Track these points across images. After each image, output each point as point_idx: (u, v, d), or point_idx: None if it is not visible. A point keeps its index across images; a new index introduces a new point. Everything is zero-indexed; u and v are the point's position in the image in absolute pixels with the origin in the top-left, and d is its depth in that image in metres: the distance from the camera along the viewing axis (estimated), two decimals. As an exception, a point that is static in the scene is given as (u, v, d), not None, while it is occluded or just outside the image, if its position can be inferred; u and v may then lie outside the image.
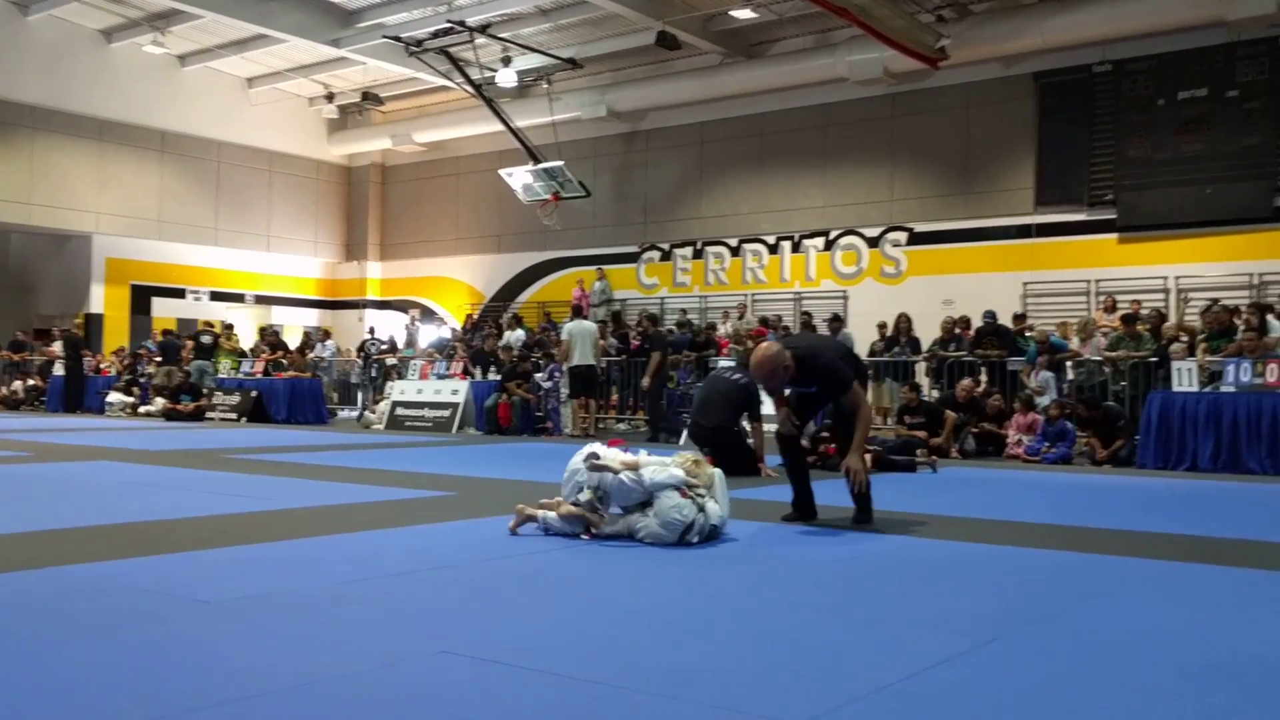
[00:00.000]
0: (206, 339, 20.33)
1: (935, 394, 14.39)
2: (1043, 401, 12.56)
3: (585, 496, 5.42)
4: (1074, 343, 14.08)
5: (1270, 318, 13.07)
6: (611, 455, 5.50)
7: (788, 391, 6.23)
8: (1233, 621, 3.85)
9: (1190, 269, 16.88)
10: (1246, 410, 10.66)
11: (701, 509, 5.28)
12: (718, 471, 5.63)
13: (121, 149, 23.77)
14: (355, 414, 19.86)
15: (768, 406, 9.03)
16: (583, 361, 14.96)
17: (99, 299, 24.25)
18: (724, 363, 14.88)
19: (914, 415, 12.38)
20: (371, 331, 23.90)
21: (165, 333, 21.46)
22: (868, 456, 6.49)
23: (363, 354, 22.30)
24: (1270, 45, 16.32)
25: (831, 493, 6.56)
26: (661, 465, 5.44)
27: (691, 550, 5.15)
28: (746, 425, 9.95)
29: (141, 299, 24.82)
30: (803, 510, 6.28)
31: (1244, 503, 8.06)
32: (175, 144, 24.69)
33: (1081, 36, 17.28)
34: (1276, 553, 5.50)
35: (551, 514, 5.52)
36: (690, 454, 5.74)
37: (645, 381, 14.39)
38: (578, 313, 16.77)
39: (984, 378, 13.74)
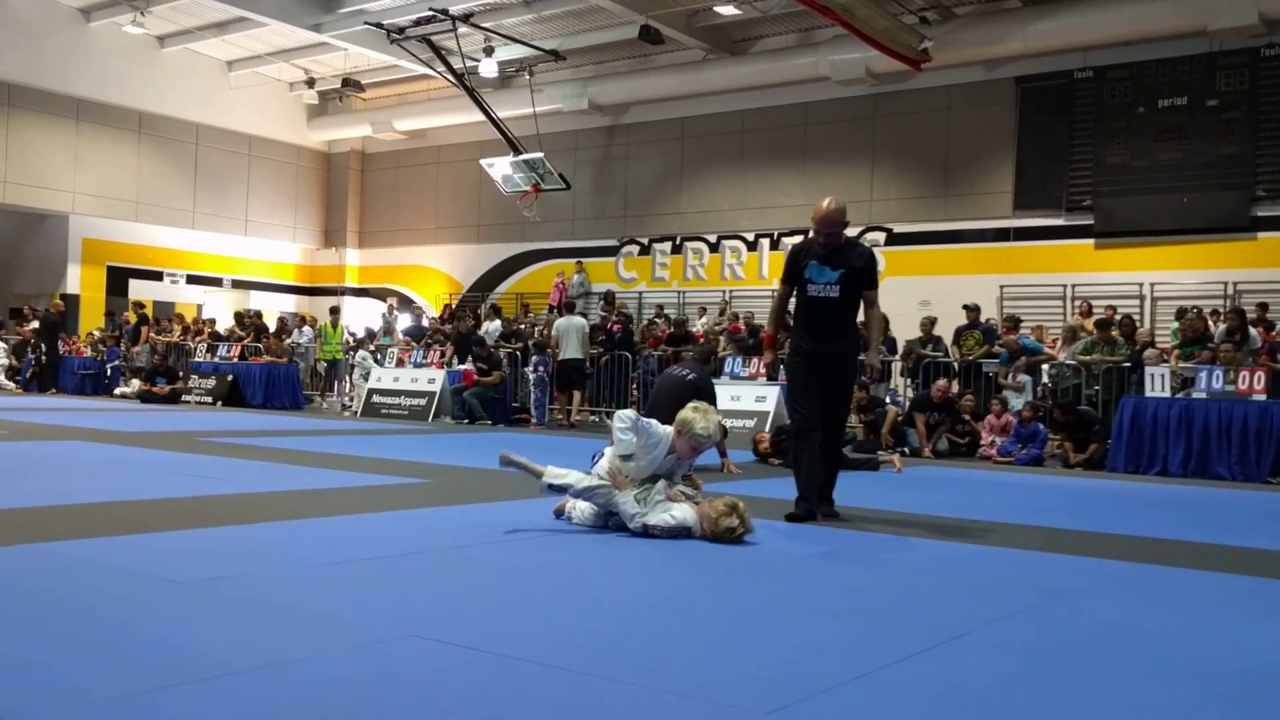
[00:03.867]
0: (132, 321, 21.42)
1: (911, 394, 14.47)
2: (1015, 404, 12.64)
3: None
4: (1056, 346, 14.19)
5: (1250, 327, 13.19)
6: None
7: (812, 290, 6.19)
8: (1196, 623, 3.90)
9: (1166, 276, 17.02)
10: (1218, 417, 10.78)
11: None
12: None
13: (99, 129, 23.55)
14: (336, 400, 19.74)
15: (722, 402, 8.93)
16: (570, 356, 15.39)
17: (75, 279, 24.03)
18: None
19: (867, 413, 12.47)
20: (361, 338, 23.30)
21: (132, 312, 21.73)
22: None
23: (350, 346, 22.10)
24: (1250, 56, 16.46)
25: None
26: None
27: (665, 541, 5.17)
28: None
29: (118, 280, 24.63)
30: (810, 509, 6.08)
31: (1212, 508, 8.14)
32: (153, 125, 24.47)
33: (1063, 42, 17.38)
34: (1242, 557, 5.57)
35: (580, 504, 5.54)
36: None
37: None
38: (570, 309, 16.85)
39: (955, 383, 13.75)
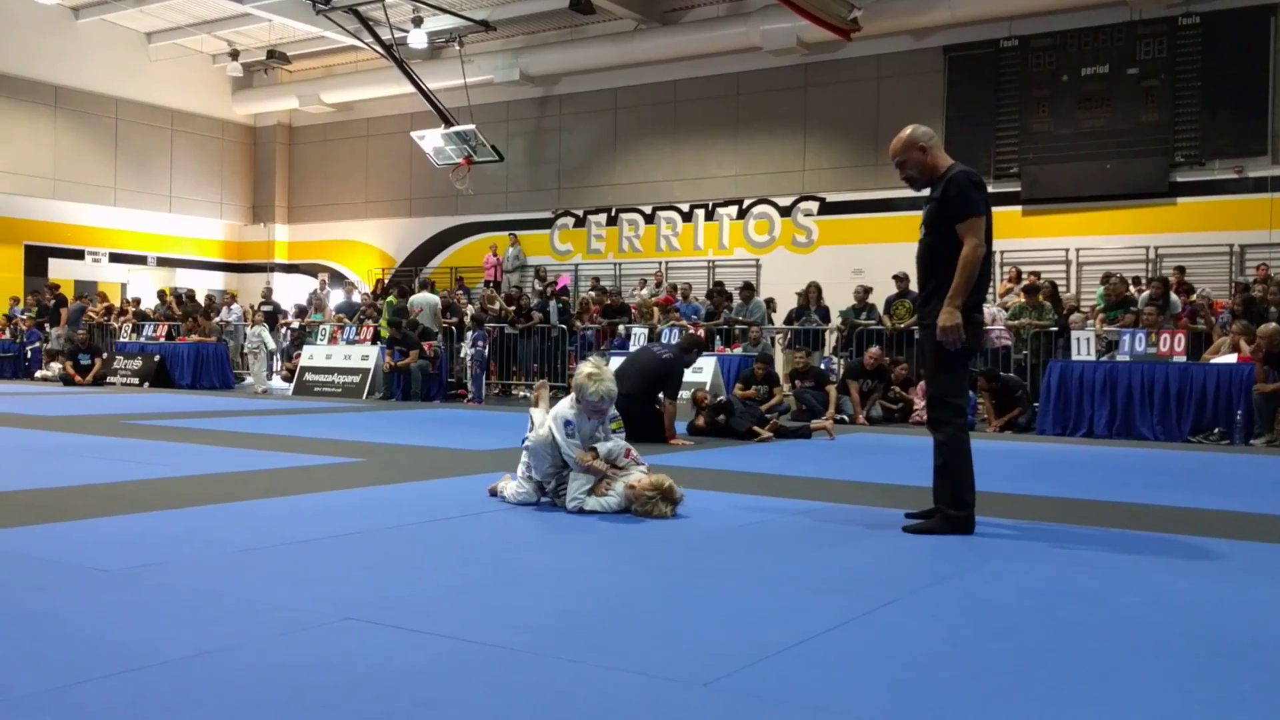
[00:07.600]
0: (51, 302, 21.16)
1: (843, 361, 14.61)
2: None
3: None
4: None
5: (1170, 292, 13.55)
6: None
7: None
8: (1117, 581, 4.00)
9: (1090, 241, 17.37)
10: (1140, 378, 11.08)
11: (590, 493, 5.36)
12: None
13: (11, 103, 22.77)
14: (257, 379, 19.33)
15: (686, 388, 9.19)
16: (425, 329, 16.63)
17: (-10, 259, 23.36)
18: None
19: (804, 379, 12.59)
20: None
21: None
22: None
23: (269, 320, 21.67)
24: (1169, 24, 16.78)
25: (745, 459, 6.62)
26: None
27: (600, 517, 5.18)
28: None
29: (37, 260, 23.93)
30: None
31: (1135, 468, 8.35)
32: (70, 100, 23.74)
33: (989, 12, 17.57)
34: (1162, 515, 5.72)
35: (513, 484, 5.56)
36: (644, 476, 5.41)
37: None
38: (424, 286, 18.28)
39: (885, 350, 13.89)
